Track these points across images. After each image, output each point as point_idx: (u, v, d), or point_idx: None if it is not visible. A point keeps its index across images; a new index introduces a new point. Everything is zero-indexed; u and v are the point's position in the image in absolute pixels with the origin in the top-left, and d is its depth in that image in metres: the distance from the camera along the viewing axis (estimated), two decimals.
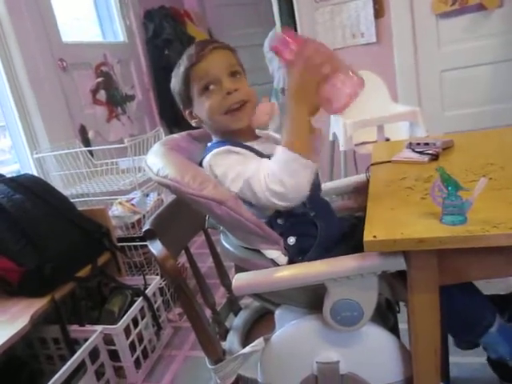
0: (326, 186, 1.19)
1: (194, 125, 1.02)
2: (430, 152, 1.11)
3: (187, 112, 1.00)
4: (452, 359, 1.33)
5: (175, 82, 0.99)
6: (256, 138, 1.01)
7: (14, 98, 2.18)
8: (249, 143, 0.95)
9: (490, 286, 1.02)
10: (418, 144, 1.17)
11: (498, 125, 1.31)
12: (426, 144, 1.15)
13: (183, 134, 1.07)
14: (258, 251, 0.90)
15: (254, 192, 0.84)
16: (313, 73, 0.81)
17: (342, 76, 0.82)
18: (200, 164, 0.94)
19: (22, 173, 1.98)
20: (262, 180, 0.82)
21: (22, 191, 1.67)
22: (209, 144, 0.99)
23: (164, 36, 3.26)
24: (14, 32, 2.14)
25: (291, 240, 0.91)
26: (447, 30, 2.78)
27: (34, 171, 2.19)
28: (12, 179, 1.73)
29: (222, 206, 0.84)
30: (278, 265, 0.89)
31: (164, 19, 3.29)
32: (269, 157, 0.87)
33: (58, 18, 2.48)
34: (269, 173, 0.82)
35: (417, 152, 1.14)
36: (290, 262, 0.90)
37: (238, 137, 0.96)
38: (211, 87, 0.93)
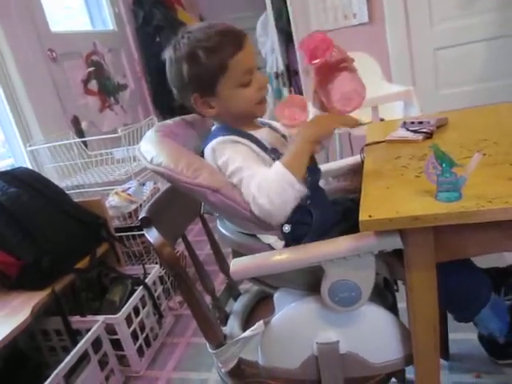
0: (321, 168, 1.19)
1: (202, 114, 0.95)
2: (424, 130, 1.11)
3: (202, 100, 0.92)
4: (451, 336, 1.35)
5: (199, 67, 0.88)
6: (257, 127, 1.00)
7: (5, 91, 2.16)
8: (251, 132, 0.94)
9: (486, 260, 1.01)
10: (412, 123, 1.16)
11: (493, 102, 1.30)
12: (420, 122, 1.15)
13: (176, 119, 1.05)
14: (255, 236, 0.90)
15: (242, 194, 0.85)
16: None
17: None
18: (202, 150, 0.93)
19: (16, 166, 1.97)
20: (253, 188, 0.82)
21: (17, 184, 1.66)
22: (213, 128, 0.98)
23: (154, 23, 3.22)
24: (0, 23, 2.11)
25: (286, 228, 0.89)
26: (440, 8, 2.75)
27: (28, 164, 2.17)
28: (6, 173, 1.72)
29: (217, 194, 0.84)
30: (275, 249, 0.89)
31: (153, 6, 3.25)
32: (267, 149, 0.90)
33: (46, 7, 2.44)
34: (261, 184, 0.82)
35: (411, 131, 1.13)
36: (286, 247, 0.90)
37: (246, 126, 0.95)
38: (251, 79, 0.91)
